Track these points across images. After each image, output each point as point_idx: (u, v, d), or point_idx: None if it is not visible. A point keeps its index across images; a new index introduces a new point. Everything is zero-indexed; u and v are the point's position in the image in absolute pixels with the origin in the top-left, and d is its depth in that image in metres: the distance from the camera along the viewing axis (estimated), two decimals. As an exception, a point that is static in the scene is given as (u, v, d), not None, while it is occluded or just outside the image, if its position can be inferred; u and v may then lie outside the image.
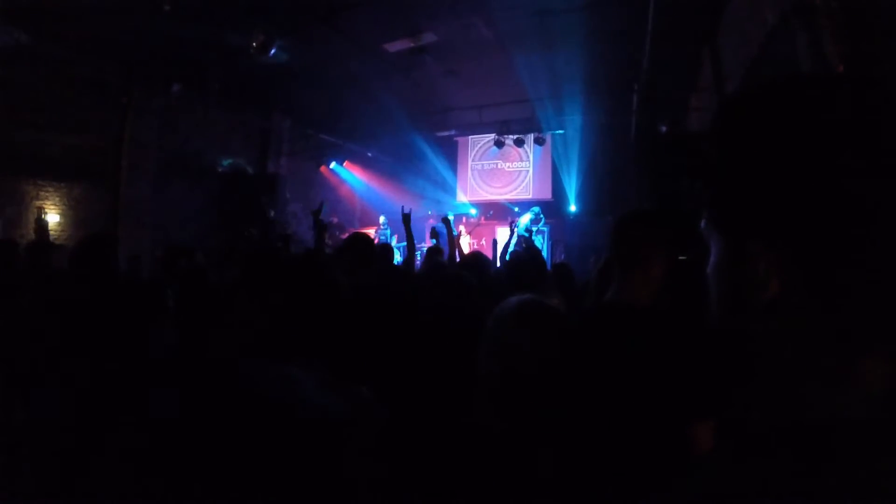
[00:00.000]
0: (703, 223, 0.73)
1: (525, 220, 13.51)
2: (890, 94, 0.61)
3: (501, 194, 16.48)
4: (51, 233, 9.64)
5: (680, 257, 2.34)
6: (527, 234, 11.50)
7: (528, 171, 16.31)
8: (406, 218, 5.95)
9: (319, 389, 1.55)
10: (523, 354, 1.55)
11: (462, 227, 15.01)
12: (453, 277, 3.00)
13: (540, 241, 12.84)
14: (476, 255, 5.38)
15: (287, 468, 1.26)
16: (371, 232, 15.29)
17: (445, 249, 6.15)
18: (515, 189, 16.45)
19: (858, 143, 0.58)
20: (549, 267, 7.47)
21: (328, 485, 1.33)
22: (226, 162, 12.94)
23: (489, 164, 16.88)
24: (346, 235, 13.91)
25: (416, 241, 6.19)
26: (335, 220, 15.51)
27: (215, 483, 1.25)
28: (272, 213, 12.04)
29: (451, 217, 13.11)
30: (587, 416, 1.74)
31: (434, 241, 7.11)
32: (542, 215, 13.59)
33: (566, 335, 1.62)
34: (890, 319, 0.58)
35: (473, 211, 16.39)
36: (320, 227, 5.28)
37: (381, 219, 14.88)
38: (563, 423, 1.56)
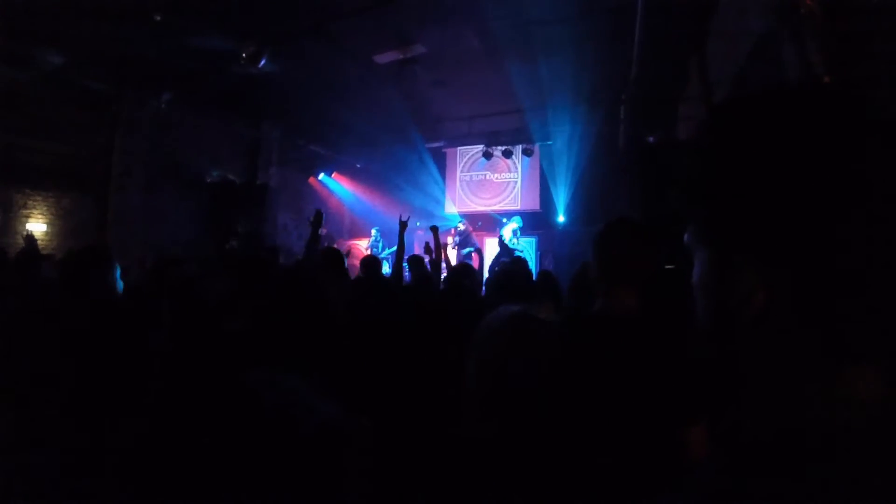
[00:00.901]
0: (686, 236, 0.74)
1: (509, 231, 13.55)
2: (875, 105, 0.62)
3: (490, 205, 16.49)
4: (38, 242, 9.58)
5: (667, 266, 2.36)
6: (508, 244, 11.54)
7: (516, 181, 16.34)
8: (403, 226, 5.93)
9: (320, 398, 1.56)
10: (513, 366, 1.55)
11: (450, 238, 15.03)
12: (454, 286, 2.99)
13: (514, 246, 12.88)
14: (463, 266, 5.41)
15: (291, 475, 1.26)
16: (363, 243, 15.27)
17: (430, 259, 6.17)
18: (504, 200, 16.47)
19: (844, 155, 0.59)
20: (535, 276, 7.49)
21: (329, 490, 1.33)
22: (214, 173, 12.89)
23: (478, 175, 16.90)
24: (335, 247, 13.91)
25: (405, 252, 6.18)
26: (324, 231, 15.44)
27: (220, 489, 1.25)
28: (245, 227, 11.97)
29: (461, 225, 13.15)
30: (580, 424, 1.75)
31: (428, 255, 7.13)
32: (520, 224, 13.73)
33: (556, 346, 1.62)
34: (875, 331, 0.58)
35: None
36: (315, 238, 5.23)
37: (374, 231, 14.85)
38: (555, 432, 1.56)
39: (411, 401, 2.40)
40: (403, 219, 6.07)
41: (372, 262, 5.79)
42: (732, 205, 0.65)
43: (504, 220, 14.47)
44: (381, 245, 14.39)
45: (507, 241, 12.41)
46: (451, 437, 1.62)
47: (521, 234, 14.59)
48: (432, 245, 6.55)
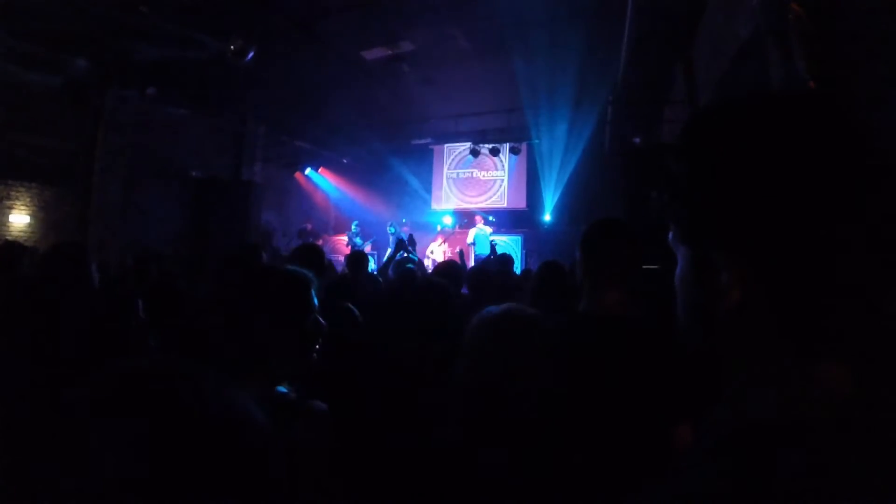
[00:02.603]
0: (670, 235, 0.75)
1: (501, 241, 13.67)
2: (854, 114, 0.64)
3: (476, 203, 16.52)
4: (20, 234, 9.50)
5: (650, 266, 2.36)
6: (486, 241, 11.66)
7: (502, 180, 16.40)
8: (401, 243, 6.06)
9: (253, 405, 1.54)
10: (508, 365, 1.54)
11: (439, 238, 15.09)
12: (435, 285, 2.96)
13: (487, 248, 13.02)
14: (449, 264, 5.40)
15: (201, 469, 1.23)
16: (343, 238, 15.24)
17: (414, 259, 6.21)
18: (490, 198, 16.53)
19: (819, 160, 0.61)
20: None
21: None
22: (198, 169, 12.78)
23: (464, 172, 16.94)
24: (320, 242, 13.89)
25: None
26: (309, 226, 15.41)
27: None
28: (240, 228, 11.90)
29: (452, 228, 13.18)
30: (566, 422, 1.75)
31: (404, 252, 7.18)
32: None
33: (549, 345, 1.61)
34: (844, 328, 0.60)
35: (448, 219, 16.38)
36: None
37: (354, 225, 14.79)
38: (542, 429, 1.55)
39: (386, 401, 2.39)
40: (403, 237, 6.22)
41: (357, 259, 5.77)
42: (712, 204, 0.66)
43: (491, 217, 14.54)
44: (359, 240, 14.35)
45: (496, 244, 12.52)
46: (437, 439, 1.60)
47: (507, 233, 14.70)
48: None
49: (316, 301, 1.86)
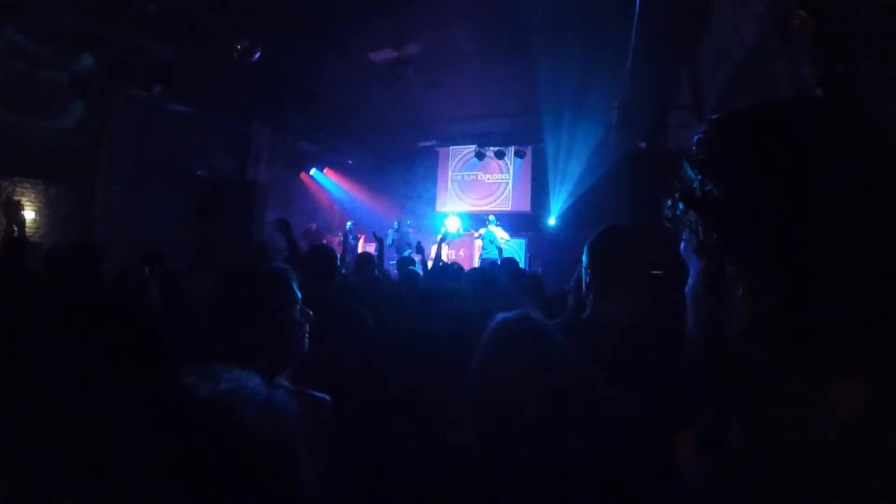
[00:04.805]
0: (682, 245, 0.74)
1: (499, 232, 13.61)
2: (867, 119, 0.63)
3: (480, 206, 16.46)
4: (26, 230, 9.47)
5: (656, 272, 2.36)
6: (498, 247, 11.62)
7: (507, 183, 16.35)
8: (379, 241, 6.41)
9: (265, 387, 1.57)
10: (523, 373, 1.54)
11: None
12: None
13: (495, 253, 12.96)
14: (451, 266, 5.45)
15: (233, 465, 1.24)
16: (338, 238, 15.22)
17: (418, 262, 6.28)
18: (495, 201, 16.47)
19: (836, 170, 0.59)
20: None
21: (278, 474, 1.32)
22: (204, 169, 12.79)
23: (469, 175, 16.91)
24: (324, 242, 13.87)
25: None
26: (313, 226, 15.39)
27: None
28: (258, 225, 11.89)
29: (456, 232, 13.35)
30: (574, 430, 1.75)
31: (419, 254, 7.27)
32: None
33: (562, 355, 1.61)
34: (859, 347, 0.59)
35: (453, 221, 16.27)
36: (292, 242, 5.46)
37: (348, 223, 14.75)
38: (552, 438, 1.55)
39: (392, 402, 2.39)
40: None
41: (364, 261, 5.83)
42: (728, 216, 0.65)
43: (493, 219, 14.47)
44: (350, 238, 14.32)
45: (497, 244, 12.47)
46: (453, 445, 1.60)
47: (511, 236, 14.64)
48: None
49: (298, 293, 1.92)
